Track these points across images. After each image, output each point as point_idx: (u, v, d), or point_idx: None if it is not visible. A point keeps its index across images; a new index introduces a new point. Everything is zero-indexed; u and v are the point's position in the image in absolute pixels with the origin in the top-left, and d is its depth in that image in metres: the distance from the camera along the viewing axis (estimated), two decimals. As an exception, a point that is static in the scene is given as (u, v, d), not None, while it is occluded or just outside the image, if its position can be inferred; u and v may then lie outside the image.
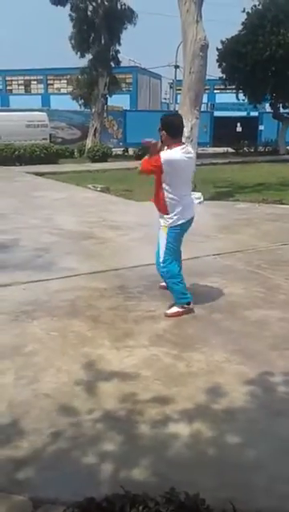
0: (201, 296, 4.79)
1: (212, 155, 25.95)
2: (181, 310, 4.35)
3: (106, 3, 22.40)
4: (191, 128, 11.36)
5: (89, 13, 22.66)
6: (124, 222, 7.87)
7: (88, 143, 24.09)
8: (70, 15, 22.75)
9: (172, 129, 4.15)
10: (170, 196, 4.19)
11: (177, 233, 4.33)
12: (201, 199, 11.14)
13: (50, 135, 26.91)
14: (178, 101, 19.26)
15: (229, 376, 3.24)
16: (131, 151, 24.77)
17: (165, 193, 4.20)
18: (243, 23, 24.97)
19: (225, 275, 5.49)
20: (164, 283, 4.63)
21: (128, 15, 23.22)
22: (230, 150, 28.65)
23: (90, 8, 22.58)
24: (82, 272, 5.52)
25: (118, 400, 2.93)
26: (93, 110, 24.44)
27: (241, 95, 27.11)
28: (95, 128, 24.27)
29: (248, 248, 6.76)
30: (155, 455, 2.46)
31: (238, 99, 28.01)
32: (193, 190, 11.37)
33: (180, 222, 4.26)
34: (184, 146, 4.22)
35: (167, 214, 4.26)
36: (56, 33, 54.06)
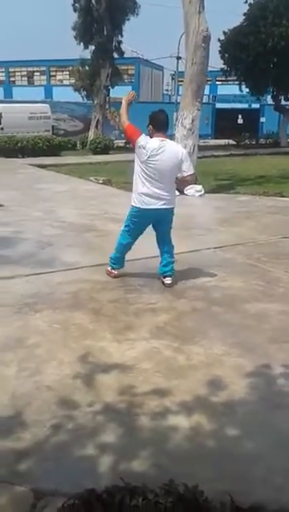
0: (201, 289, 4.82)
1: (213, 147, 25.88)
2: (108, 269, 5.10)
3: (108, -7, 22.25)
4: (192, 120, 11.35)
5: (92, 3, 22.52)
6: (125, 215, 7.85)
7: (90, 135, 24.05)
8: (73, 5, 22.65)
9: (156, 123, 4.69)
10: (136, 179, 4.69)
11: (133, 214, 4.83)
12: (202, 192, 11.14)
13: (53, 127, 26.90)
14: (180, 92, 19.15)
15: (229, 369, 3.27)
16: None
17: (138, 175, 4.68)
18: (245, 14, 24.80)
19: (225, 268, 5.50)
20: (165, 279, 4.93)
21: (131, 6, 23.11)
22: (232, 142, 28.58)
23: (92, -2, 22.46)
24: (84, 265, 5.55)
25: (118, 393, 2.96)
26: (95, 102, 24.38)
27: (243, 87, 26.97)
28: (98, 120, 24.23)
29: (248, 241, 6.77)
30: (154, 447, 2.49)
31: (241, 91, 27.88)
32: (194, 183, 11.40)
33: (137, 205, 4.72)
34: (163, 139, 4.65)
35: (132, 191, 4.80)
36: (59, 24, 53.76)
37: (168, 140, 4.70)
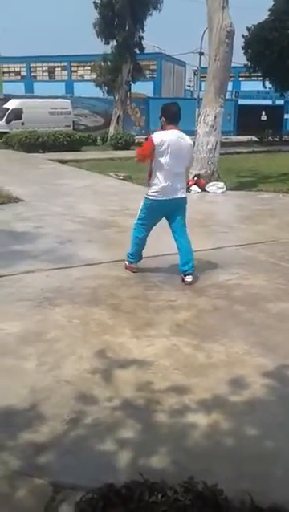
0: (222, 287, 4.77)
1: (236, 144, 25.64)
2: (127, 264, 5.13)
3: (131, -11, 22.17)
4: (215, 117, 11.26)
5: (113, -1, 22.47)
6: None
7: (111, 130, 24.06)
8: (94, 2, 22.62)
9: (168, 115, 4.74)
10: (155, 174, 4.71)
11: (148, 207, 4.88)
12: (224, 189, 11.06)
13: (74, 122, 26.99)
14: (202, 88, 18.99)
15: (250, 368, 3.23)
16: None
17: (153, 168, 4.71)
18: (270, 9, 24.46)
19: (247, 266, 5.45)
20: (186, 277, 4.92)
21: (153, 1, 22.97)
22: (254, 139, 28.26)
23: (114, -6, 22.39)
24: (104, 260, 5.56)
25: (137, 389, 2.95)
26: (116, 97, 24.36)
27: (267, 83, 26.63)
28: (118, 116, 24.21)
29: (271, 239, 6.68)
30: (173, 444, 2.48)
31: (265, 87, 27.54)
32: (216, 180, 11.33)
33: (153, 197, 4.77)
34: (176, 130, 4.69)
35: (148, 185, 4.82)
36: (81, 19, 53.94)
37: (181, 132, 4.75)
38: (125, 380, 3.05)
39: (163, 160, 4.63)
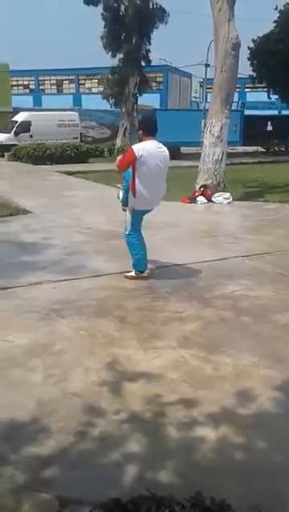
0: (229, 298, 4.76)
1: (242, 154, 25.69)
2: (135, 275, 5.22)
3: (138, 2, 22.46)
4: (221, 128, 11.32)
5: (121, 12, 22.74)
6: (153, 222, 7.85)
7: (118, 142, 24.21)
8: (102, 14, 22.90)
9: (146, 128, 5.01)
10: (137, 185, 4.88)
11: (136, 216, 5.16)
12: (230, 199, 11.06)
13: (81, 134, 27.19)
14: (208, 100, 19.10)
15: (257, 381, 3.21)
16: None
17: (135, 182, 4.88)
18: (275, 21, 24.65)
19: (253, 277, 5.43)
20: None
21: (160, 14, 23.24)
22: (260, 149, 28.31)
23: (122, 7, 22.68)
24: (111, 271, 5.56)
25: (144, 402, 2.94)
26: (123, 109, 24.53)
27: (272, 94, 26.76)
28: (125, 128, 24.36)
29: (277, 250, 6.66)
30: (181, 458, 2.46)
31: (270, 98, 27.66)
32: (223, 190, 11.35)
33: (139, 208, 5.07)
34: (154, 141, 4.95)
35: (134, 196, 4.96)
36: (88, 33, 54.58)
37: (159, 143, 5.00)
38: (132, 393, 3.04)
39: (145, 170, 4.83)
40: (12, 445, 2.52)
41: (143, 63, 24.39)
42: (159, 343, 3.74)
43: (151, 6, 23.04)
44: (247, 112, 35.49)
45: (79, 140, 25.65)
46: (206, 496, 2.03)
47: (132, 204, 5.07)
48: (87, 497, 2.16)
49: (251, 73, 26.04)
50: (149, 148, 4.84)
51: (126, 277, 5.27)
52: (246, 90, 42.58)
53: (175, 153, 24.68)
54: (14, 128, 24.19)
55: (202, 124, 16.96)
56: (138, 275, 5.26)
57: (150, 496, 2.05)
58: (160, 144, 4.99)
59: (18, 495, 2.19)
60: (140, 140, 4.99)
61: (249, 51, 25.09)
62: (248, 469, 2.40)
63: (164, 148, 5.03)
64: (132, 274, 5.28)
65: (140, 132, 5.03)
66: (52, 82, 48.45)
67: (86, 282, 5.19)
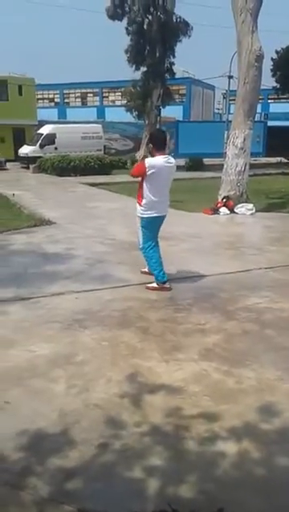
0: (252, 311, 4.71)
1: (265, 165, 25.54)
2: (157, 286, 5.29)
3: (162, 17, 22.69)
4: (244, 139, 11.29)
5: (145, 26, 23.02)
6: (175, 233, 7.87)
7: (141, 154, 24.35)
8: (126, 29, 23.22)
9: (156, 143, 5.27)
10: (146, 193, 5.18)
11: (148, 225, 5.34)
12: (253, 210, 10.99)
13: (105, 146, 27.47)
14: (231, 111, 19.11)
15: (281, 395, 3.16)
16: (182, 162, 24.89)
17: (144, 190, 5.19)
18: (300, 32, 24.57)
19: (277, 289, 5.36)
20: (145, 269, 5.59)
21: (183, 28, 23.45)
22: (284, 160, 28.10)
23: (146, 22, 22.95)
24: (133, 282, 5.58)
25: (166, 415, 2.92)
26: (146, 121, 24.72)
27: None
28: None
29: (302, 262, 6.56)
30: (202, 472, 2.43)
31: (294, 109, 27.48)
32: (245, 201, 11.29)
33: (146, 216, 5.27)
34: (166, 156, 5.23)
35: (140, 206, 5.26)
36: (112, 46, 55.49)
37: (168, 156, 5.29)
38: (154, 405, 3.03)
39: (154, 182, 5.14)
40: (35, 456, 2.54)
41: (166, 76, 24.60)
42: (181, 356, 3.72)
43: (175, 20, 23.28)
44: (270, 123, 35.29)
45: (102, 151, 25.92)
46: (228, 512, 2.01)
47: (141, 213, 5.29)
48: (109, 510, 2.16)
49: (275, 84, 25.97)
50: (160, 164, 5.13)
51: (148, 288, 5.30)
52: (270, 101, 42.44)
53: (198, 164, 24.79)
54: (40, 141, 24.63)
55: (225, 136, 16.97)
56: (160, 286, 5.29)
57: (172, 511, 2.04)
58: (169, 157, 5.28)
59: (40, 506, 2.20)
60: (151, 154, 5.27)
61: (272, 63, 25.06)
62: (271, 485, 2.36)
63: (173, 161, 5.31)
64: (154, 285, 5.32)
65: (151, 145, 5.30)
66: (77, 95, 49.27)
67: (108, 293, 5.21)
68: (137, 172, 5.29)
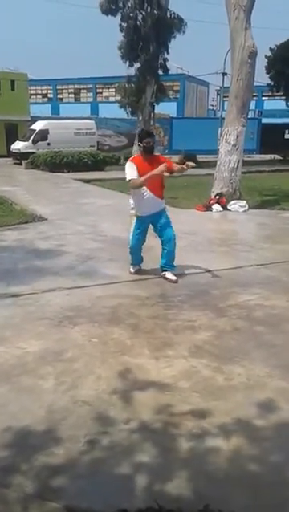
0: (243, 308, 4.70)
1: (258, 162, 25.54)
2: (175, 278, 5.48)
3: (155, 12, 22.58)
4: (237, 136, 11.28)
5: (138, 22, 22.90)
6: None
7: (134, 150, 24.27)
8: (120, 25, 23.08)
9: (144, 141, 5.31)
10: (139, 192, 5.33)
11: (137, 220, 5.56)
12: (246, 207, 10.99)
13: (98, 142, 27.36)
14: (225, 108, 19.09)
15: (271, 392, 3.15)
16: (176, 158, 24.81)
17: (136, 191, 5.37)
18: (294, 29, 24.59)
19: (268, 286, 5.36)
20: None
21: (177, 24, 23.33)
22: (278, 157, 28.15)
23: (139, 17, 22.83)
24: (124, 279, 5.56)
25: (155, 411, 2.91)
26: (140, 118, 24.64)
27: (290, 102, 26.64)
28: (142, 136, 24.39)
29: (294, 259, 6.57)
30: (190, 469, 2.42)
31: (288, 106, 27.53)
32: (238, 198, 11.28)
33: (142, 215, 5.48)
34: (152, 156, 5.33)
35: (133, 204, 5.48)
36: (105, 42, 55.22)
37: (156, 154, 5.44)
38: (143, 402, 3.01)
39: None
40: (21, 454, 2.51)
41: (160, 72, 24.50)
42: (171, 352, 3.71)
43: (168, 16, 23.16)
44: (265, 120, 35.32)
45: (95, 148, 25.82)
46: (214, 509, 2.00)
47: (135, 211, 5.54)
48: (96, 507, 2.14)
49: (269, 81, 26.00)
50: (145, 162, 5.24)
51: (168, 279, 5.48)
52: (264, 98, 42.50)
53: (191, 161, 24.61)
54: (32, 137, 24.47)
55: (219, 133, 16.98)
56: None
57: (158, 508, 2.02)
58: (158, 155, 5.44)
59: (26, 503, 2.18)
60: (141, 152, 5.39)
61: (266, 60, 25.07)
62: (259, 482, 2.35)
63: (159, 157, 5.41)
64: (173, 277, 5.47)
65: (140, 144, 5.38)
66: (70, 91, 49.03)
67: (99, 290, 5.19)
68: (134, 181, 5.30)
